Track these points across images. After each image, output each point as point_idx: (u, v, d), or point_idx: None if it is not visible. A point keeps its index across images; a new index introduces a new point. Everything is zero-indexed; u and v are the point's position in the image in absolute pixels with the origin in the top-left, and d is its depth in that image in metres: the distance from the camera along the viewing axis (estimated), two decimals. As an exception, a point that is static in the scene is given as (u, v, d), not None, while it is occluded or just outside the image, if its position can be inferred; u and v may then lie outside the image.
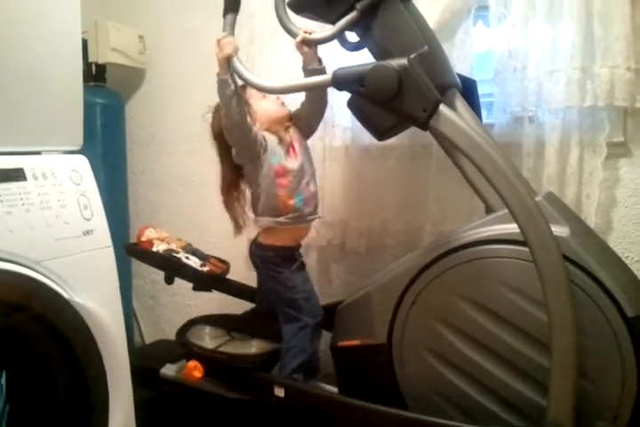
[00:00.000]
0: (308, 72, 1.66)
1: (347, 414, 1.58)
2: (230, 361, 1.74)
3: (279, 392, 1.64)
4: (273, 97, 1.75)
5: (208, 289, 1.87)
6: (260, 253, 1.77)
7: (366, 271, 2.07)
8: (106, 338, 1.27)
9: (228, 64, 1.58)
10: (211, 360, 1.76)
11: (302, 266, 1.81)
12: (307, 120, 1.81)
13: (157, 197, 2.48)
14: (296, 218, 1.73)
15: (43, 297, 1.17)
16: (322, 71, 1.63)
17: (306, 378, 1.71)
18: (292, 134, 1.77)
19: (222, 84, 1.59)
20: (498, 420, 1.43)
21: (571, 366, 1.28)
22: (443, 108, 1.34)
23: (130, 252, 1.93)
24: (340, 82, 1.41)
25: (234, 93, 1.60)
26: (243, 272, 1.97)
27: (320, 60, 1.67)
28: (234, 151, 1.71)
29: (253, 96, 1.73)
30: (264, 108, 1.73)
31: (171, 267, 1.84)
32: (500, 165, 1.30)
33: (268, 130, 1.71)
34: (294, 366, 1.69)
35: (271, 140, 1.69)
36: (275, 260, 1.75)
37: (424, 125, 1.36)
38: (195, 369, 1.74)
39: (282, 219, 1.71)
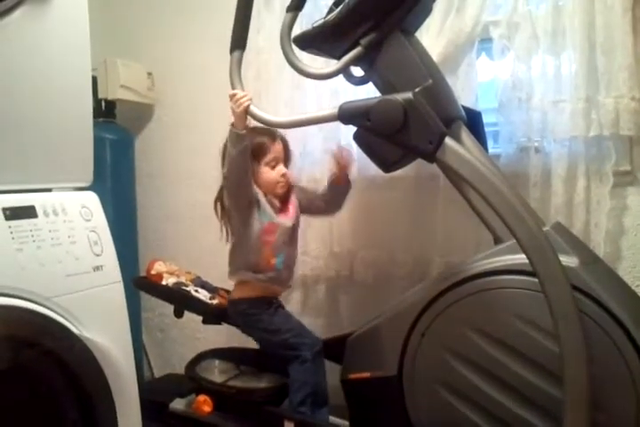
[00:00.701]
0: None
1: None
2: (239, 395, 1.73)
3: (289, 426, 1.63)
4: (280, 172, 1.78)
5: (217, 322, 1.87)
6: (234, 310, 1.79)
7: (375, 302, 2.05)
8: (115, 373, 1.27)
9: (245, 117, 1.61)
10: (220, 394, 1.75)
11: (279, 307, 1.82)
12: (312, 206, 1.86)
13: (166, 230, 2.49)
14: (274, 279, 1.76)
15: (53, 333, 1.17)
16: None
17: (314, 409, 1.69)
18: (291, 198, 1.83)
19: (238, 139, 1.62)
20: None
21: (584, 398, 1.26)
22: (448, 140, 1.35)
23: (139, 285, 1.94)
24: (346, 116, 1.44)
25: (247, 148, 1.64)
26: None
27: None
28: (226, 197, 1.74)
29: (263, 163, 1.76)
30: (266, 176, 1.76)
31: (180, 300, 1.85)
32: (507, 196, 1.31)
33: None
34: (299, 399, 1.68)
35: (262, 197, 1.74)
36: (250, 311, 1.76)
37: (430, 158, 1.37)
38: (204, 403, 1.73)
39: (261, 276, 1.74)
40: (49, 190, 1.30)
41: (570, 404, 1.27)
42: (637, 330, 1.32)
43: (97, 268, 1.29)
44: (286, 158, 1.81)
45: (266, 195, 1.77)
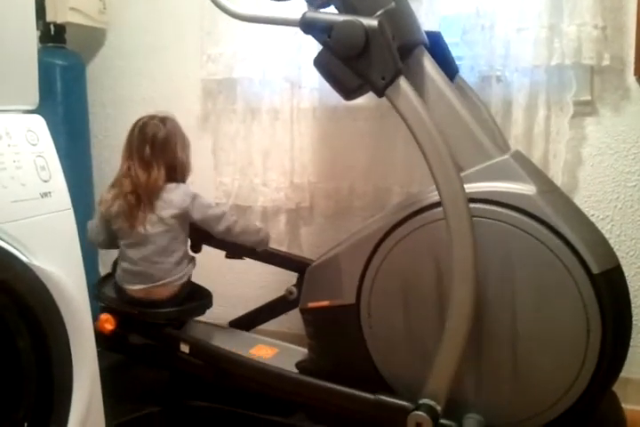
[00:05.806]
0: None
1: (244, 372, 1.63)
2: (141, 316, 1.72)
3: (185, 349, 1.68)
4: None
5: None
6: None
7: (335, 233, 2.07)
8: (68, 302, 1.24)
9: None
10: (123, 314, 1.73)
11: None
12: None
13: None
14: None
15: (1, 261, 1.13)
16: None
17: None
18: None
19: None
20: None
21: (460, 337, 1.30)
22: (402, 81, 1.32)
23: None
24: (308, 25, 1.38)
25: None
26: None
27: None
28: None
29: None
30: None
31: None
32: (438, 145, 1.30)
33: None
34: None
35: None
36: None
37: (380, 92, 1.35)
38: (106, 322, 1.71)
39: None
40: (-9, 113, 1.23)
41: (446, 342, 1.32)
42: (592, 258, 1.33)
43: (45, 194, 1.23)
44: None
45: None
